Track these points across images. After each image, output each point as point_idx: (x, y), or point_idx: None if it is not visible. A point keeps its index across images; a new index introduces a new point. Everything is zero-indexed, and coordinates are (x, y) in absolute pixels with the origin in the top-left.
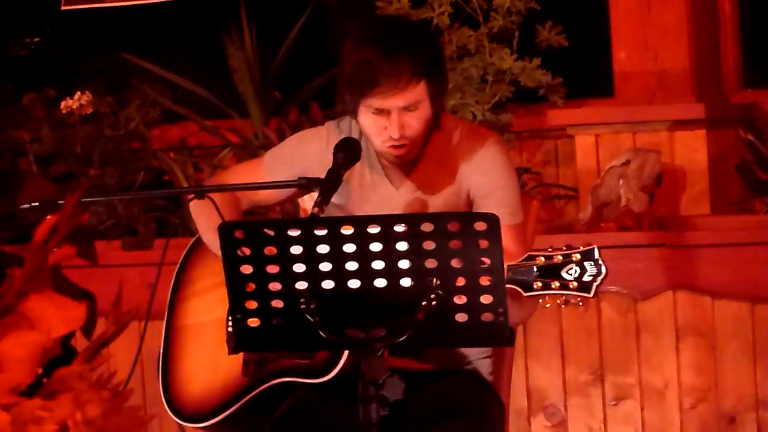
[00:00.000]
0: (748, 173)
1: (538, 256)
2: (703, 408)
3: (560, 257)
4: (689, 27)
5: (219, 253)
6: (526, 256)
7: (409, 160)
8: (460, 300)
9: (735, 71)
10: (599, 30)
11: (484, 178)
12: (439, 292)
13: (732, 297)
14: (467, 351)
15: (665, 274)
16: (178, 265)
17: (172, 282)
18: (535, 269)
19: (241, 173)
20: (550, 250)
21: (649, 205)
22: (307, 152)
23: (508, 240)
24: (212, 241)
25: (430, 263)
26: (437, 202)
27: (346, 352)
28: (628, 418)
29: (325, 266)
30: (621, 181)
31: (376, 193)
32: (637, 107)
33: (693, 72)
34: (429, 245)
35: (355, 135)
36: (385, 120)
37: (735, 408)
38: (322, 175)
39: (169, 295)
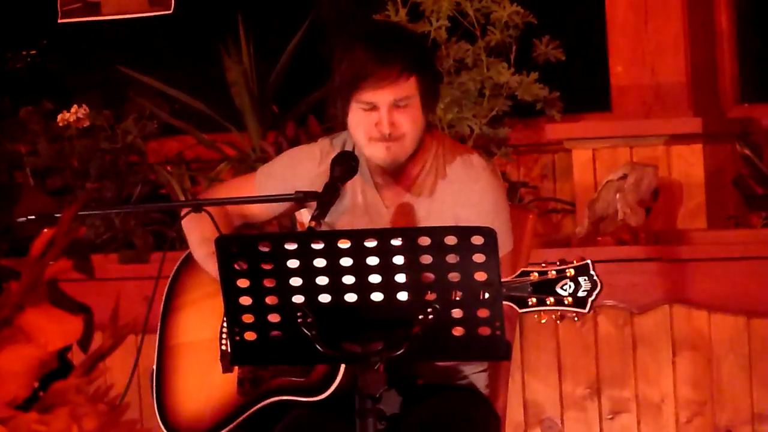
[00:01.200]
0: (744, 187)
1: (532, 272)
2: (700, 422)
3: (554, 273)
4: (686, 41)
5: (208, 269)
6: (519, 272)
7: (398, 162)
8: (457, 314)
9: (732, 85)
10: (596, 44)
11: (472, 213)
12: (436, 306)
13: (728, 311)
14: (463, 365)
15: (662, 288)
16: (168, 283)
17: (163, 300)
18: (529, 285)
19: (232, 189)
20: (543, 265)
21: (645, 220)
22: (299, 171)
23: None
24: (203, 257)
25: (427, 277)
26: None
27: (342, 371)
28: (625, 431)
29: (322, 280)
30: (618, 196)
31: (367, 211)
32: (634, 121)
33: (690, 86)
34: (426, 259)
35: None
36: (375, 116)
37: (731, 422)
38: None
39: (160, 314)
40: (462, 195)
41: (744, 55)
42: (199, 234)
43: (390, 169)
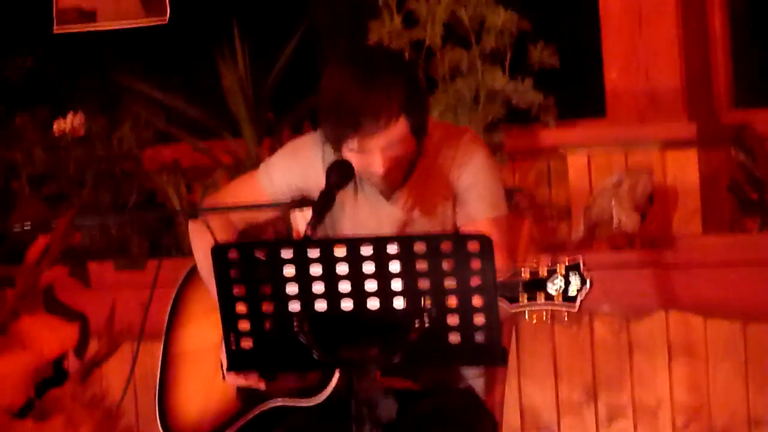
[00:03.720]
0: (739, 193)
1: (524, 270)
2: (696, 427)
3: (545, 271)
4: (680, 46)
5: (204, 275)
6: (512, 272)
7: (396, 187)
8: (452, 320)
9: (726, 90)
10: (591, 50)
11: (464, 172)
12: (432, 312)
13: (724, 316)
14: (461, 371)
15: (657, 293)
16: (175, 292)
17: (169, 308)
18: (521, 283)
19: (236, 190)
20: (535, 263)
21: (641, 225)
22: (303, 160)
23: (490, 233)
24: (200, 261)
25: (423, 283)
26: (430, 216)
27: (337, 374)
28: None
29: (318, 287)
30: (613, 201)
31: (371, 208)
32: (628, 127)
33: (684, 91)
34: (422, 265)
35: None
36: (368, 158)
37: (727, 426)
38: (322, 180)
39: (165, 325)
40: (455, 159)
41: (738, 59)
42: (198, 240)
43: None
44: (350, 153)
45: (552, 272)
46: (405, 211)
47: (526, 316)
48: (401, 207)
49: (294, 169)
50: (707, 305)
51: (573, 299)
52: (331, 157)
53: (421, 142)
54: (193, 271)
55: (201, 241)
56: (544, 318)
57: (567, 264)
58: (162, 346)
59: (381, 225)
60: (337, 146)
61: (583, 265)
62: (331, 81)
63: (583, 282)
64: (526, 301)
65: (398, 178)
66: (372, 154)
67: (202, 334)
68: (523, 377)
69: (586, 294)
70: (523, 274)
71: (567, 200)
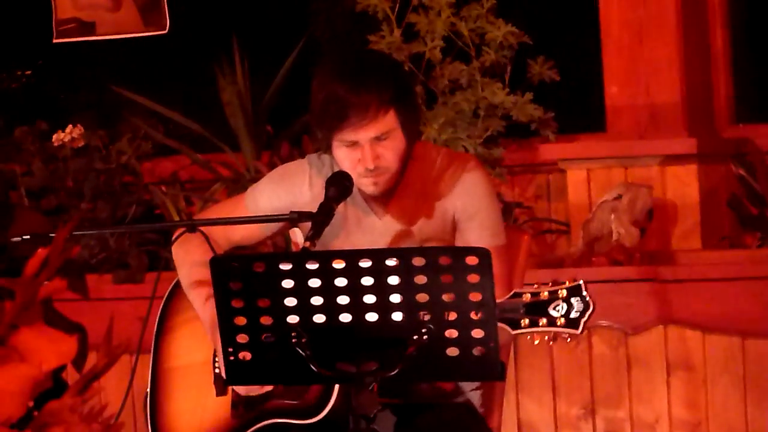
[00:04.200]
0: (739, 208)
1: (524, 293)
2: None
3: (546, 294)
4: (681, 61)
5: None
6: (512, 293)
7: (387, 191)
8: (451, 334)
9: (727, 106)
10: (591, 64)
11: (468, 201)
12: (431, 326)
13: (723, 332)
14: (459, 384)
15: (656, 308)
16: (161, 304)
17: (157, 321)
18: (522, 306)
19: (221, 213)
20: (536, 286)
21: (640, 240)
22: (290, 186)
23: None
24: (183, 277)
25: (422, 297)
26: (421, 231)
27: (336, 393)
28: None
29: (317, 300)
30: (612, 216)
31: (360, 226)
32: (628, 142)
33: (685, 106)
34: (420, 279)
35: (336, 167)
36: (358, 152)
37: None
38: (306, 209)
39: (154, 335)
40: (456, 186)
41: (739, 75)
42: (183, 255)
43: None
44: (339, 149)
45: (553, 295)
46: (395, 229)
47: (528, 337)
48: (392, 223)
49: (280, 194)
50: (706, 320)
51: (576, 323)
52: (318, 183)
53: (411, 144)
54: (179, 285)
55: (185, 256)
56: (546, 339)
57: (568, 287)
58: (151, 363)
59: (370, 241)
60: (327, 141)
61: (585, 287)
62: (322, 76)
63: (586, 306)
64: (528, 324)
65: (387, 182)
66: (361, 147)
67: (192, 346)
68: (521, 392)
69: (590, 316)
70: (524, 297)
71: (566, 215)
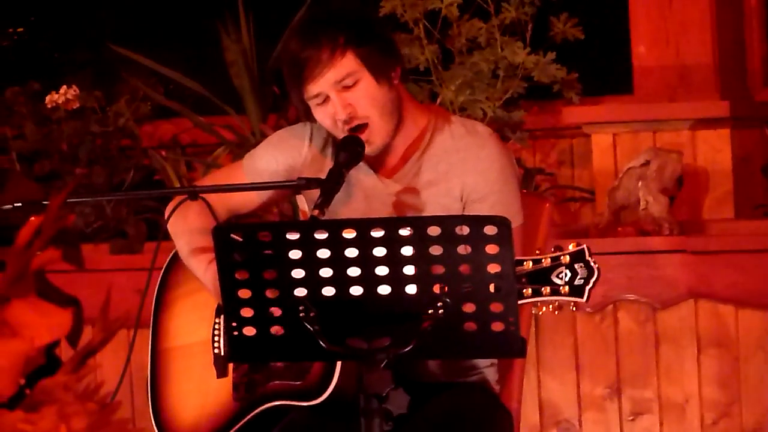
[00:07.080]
0: None
1: (526, 260)
2: (726, 424)
3: (549, 260)
4: (713, 20)
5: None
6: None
7: (383, 148)
8: (468, 308)
9: (761, 67)
10: (618, 23)
11: (480, 181)
12: (447, 299)
13: (756, 306)
14: (474, 360)
15: (686, 281)
16: (160, 275)
17: (155, 294)
18: (524, 275)
19: (220, 180)
20: (538, 253)
21: (669, 209)
22: (288, 149)
23: None
24: (181, 248)
25: (437, 269)
26: (427, 203)
27: (337, 373)
28: None
29: (326, 272)
30: (640, 183)
31: (361, 187)
32: (657, 105)
33: (717, 68)
34: (436, 250)
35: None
36: (331, 107)
37: (759, 424)
38: (307, 171)
39: (152, 309)
40: (468, 162)
41: None
42: (181, 225)
43: (376, 154)
44: (316, 111)
45: (556, 261)
46: (397, 193)
47: (533, 308)
48: (395, 188)
49: (279, 159)
50: (739, 294)
51: (581, 290)
52: (318, 144)
53: (387, 87)
54: (177, 257)
55: (183, 224)
56: (551, 309)
57: (571, 252)
58: (150, 344)
59: (372, 209)
60: (304, 107)
61: (588, 252)
62: (283, 44)
63: (590, 272)
64: (531, 294)
65: (381, 137)
66: (331, 98)
67: (192, 324)
68: (542, 370)
69: (595, 283)
70: (525, 264)
71: (591, 182)
